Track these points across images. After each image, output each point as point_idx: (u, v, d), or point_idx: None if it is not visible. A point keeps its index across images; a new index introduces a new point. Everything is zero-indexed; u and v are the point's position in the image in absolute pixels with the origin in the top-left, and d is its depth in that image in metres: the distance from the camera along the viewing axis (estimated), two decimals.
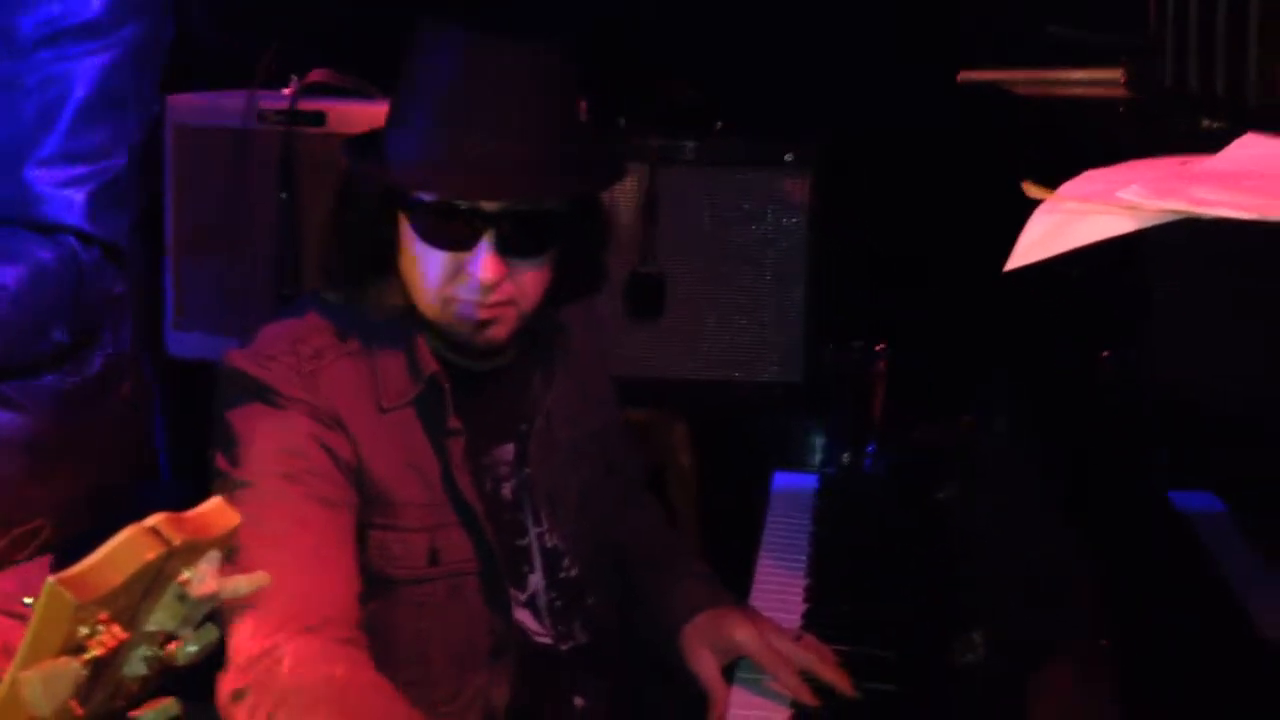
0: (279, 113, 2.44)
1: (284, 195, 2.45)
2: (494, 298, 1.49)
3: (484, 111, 1.45)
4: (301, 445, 1.47)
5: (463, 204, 1.46)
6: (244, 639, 1.39)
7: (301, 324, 1.55)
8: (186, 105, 2.52)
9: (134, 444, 1.99)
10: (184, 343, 2.57)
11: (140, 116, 1.73)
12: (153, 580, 0.74)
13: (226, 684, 1.39)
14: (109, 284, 1.74)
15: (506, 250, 1.47)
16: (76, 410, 1.80)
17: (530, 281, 1.51)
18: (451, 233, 1.48)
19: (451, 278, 1.49)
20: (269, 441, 1.47)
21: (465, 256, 1.48)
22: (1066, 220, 0.90)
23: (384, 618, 1.50)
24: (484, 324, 1.50)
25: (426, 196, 1.48)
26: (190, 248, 2.56)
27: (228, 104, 2.49)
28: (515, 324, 1.53)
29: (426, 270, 1.50)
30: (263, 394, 1.48)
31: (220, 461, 1.48)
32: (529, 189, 1.47)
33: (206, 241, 2.54)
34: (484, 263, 1.46)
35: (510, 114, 1.45)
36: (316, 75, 2.47)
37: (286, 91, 2.46)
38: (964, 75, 2.04)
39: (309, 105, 2.44)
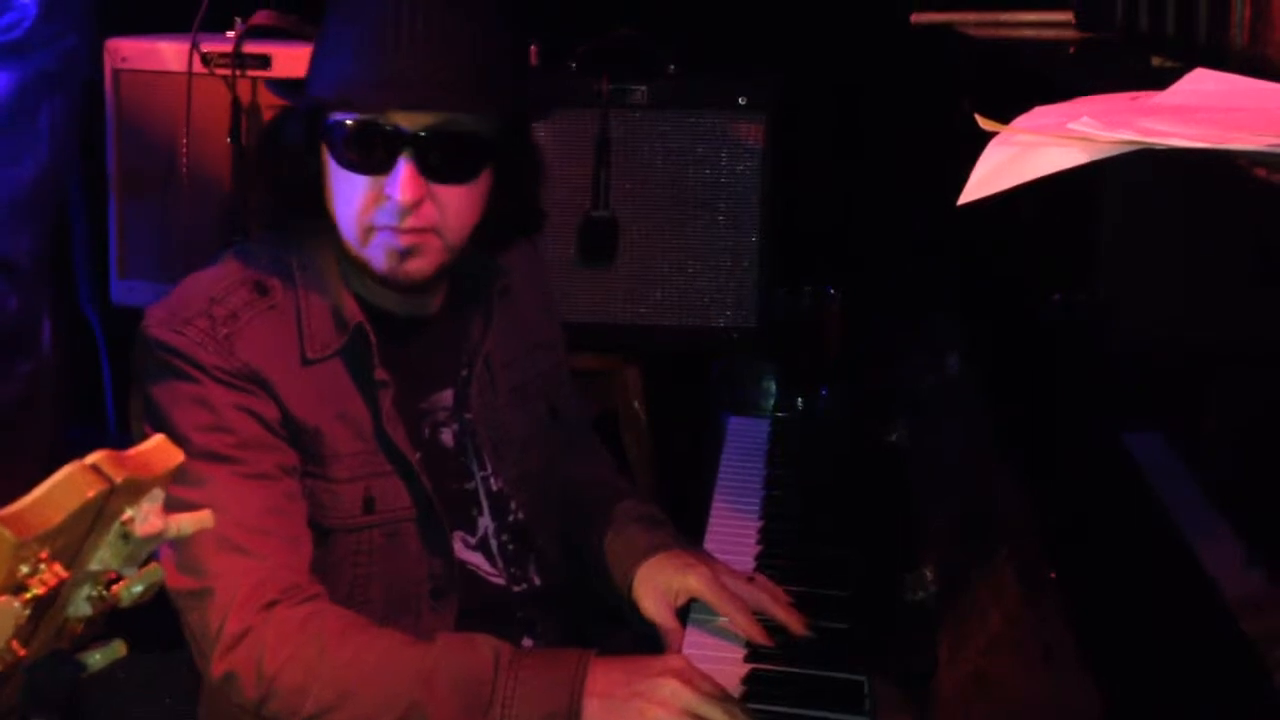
0: (223, 56, 2.40)
1: (229, 140, 2.42)
2: (414, 222, 1.46)
3: (397, 29, 1.43)
4: (225, 419, 1.46)
5: (381, 122, 1.45)
6: (215, 623, 1.41)
7: (220, 280, 1.53)
8: (126, 49, 2.48)
9: (45, 448, 1.96)
10: (129, 291, 2.54)
11: (50, 133, 1.72)
12: (95, 518, 0.73)
13: (215, 669, 1.42)
14: (6, 301, 1.70)
15: (426, 171, 1.45)
16: (4, 429, 1.77)
17: (454, 208, 1.49)
18: (369, 155, 1.46)
19: (372, 204, 1.47)
20: (191, 421, 1.46)
21: (384, 179, 1.46)
22: (1020, 153, 0.91)
23: (322, 564, 1.50)
24: (405, 253, 1.48)
25: (344, 118, 1.46)
26: (134, 195, 2.53)
27: (169, 47, 2.45)
28: (440, 257, 1.51)
29: (347, 198, 1.48)
30: (179, 364, 1.47)
31: (149, 435, 1.46)
32: (441, 100, 1.45)
33: (150, 189, 2.50)
34: (401, 182, 1.44)
35: (424, 31, 1.43)
36: (260, 18, 2.43)
37: (230, 34, 2.42)
38: (917, 17, 2.05)
39: (253, 48, 2.40)
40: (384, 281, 1.52)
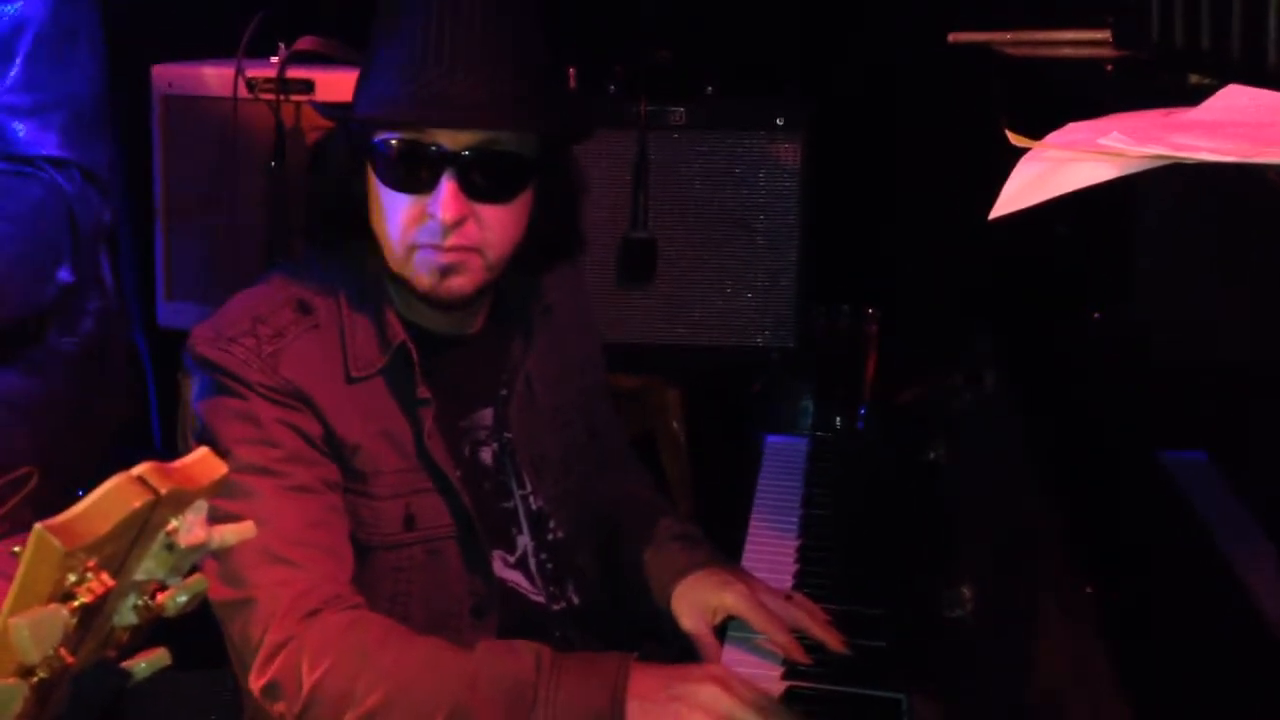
0: (267, 81, 2.43)
1: (274, 164, 2.45)
2: (456, 240, 1.48)
3: (440, 49, 1.45)
4: (270, 434, 1.48)
5: (425, 141, 1.47)
6: (257, 633, 1.43)
7: (265, 299, 1.55)
8: (173, 75, 2.52)
9: (124, 403, 2.02)
10: (175, 314, 2.57)
11: (92, 51, 1.79)
12: (140, 529, 0.75)
13: (256, 681, 1.44)
14: (96, 209, 1.77)
15: (468, 190, 1.47)
16: (76, 372, 1.83)
17: (496, 228, 1.50)
18: (412, 174, 1.48)
19: (414, 222, 1.49)
20: (236, 435, 1.48)
21: (427, 198, 1.48)
22: (1050, 168, 0.91)
23: (363, 580, 1.52)
24: (447, 271, 1.50)
25: (388, 137, 1.48)
26: (179, 219, 2.56)
27: (214, 73, 2.49)
28: (481, 275, 1.52)
29: (391, 216, 1.50)
30: (225, 381, 1.49)
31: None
32: (485, 120, 1.47)
33: (196, 212, 2.54)
34: (444, 201, 1.46)
35: (467, 51, 1.45)
36: (304, 43, 2.46)
37: (274, 60, 2.45)
38: (954, 36, 2.05)
39: (297, 73, 2.44)
40: (426, 299, 1.53)
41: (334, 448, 1.51)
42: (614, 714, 1.36)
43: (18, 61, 1.69)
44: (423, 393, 1.55)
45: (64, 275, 1.75)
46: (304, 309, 1.54)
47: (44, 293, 1.72)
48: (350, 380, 1.53)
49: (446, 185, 1.46)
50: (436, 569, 1.56)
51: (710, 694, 1.35)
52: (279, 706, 1.43)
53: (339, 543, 1.50)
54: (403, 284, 1.53)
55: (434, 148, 1.46)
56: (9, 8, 1.69)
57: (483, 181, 1.48)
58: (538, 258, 1.60)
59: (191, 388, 1.54)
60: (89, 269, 1.83)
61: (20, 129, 1.69)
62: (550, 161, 1.55)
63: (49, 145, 1.71)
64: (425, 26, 1.46)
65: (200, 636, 1.43)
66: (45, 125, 1.71)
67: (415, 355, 1.55)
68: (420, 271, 1.50)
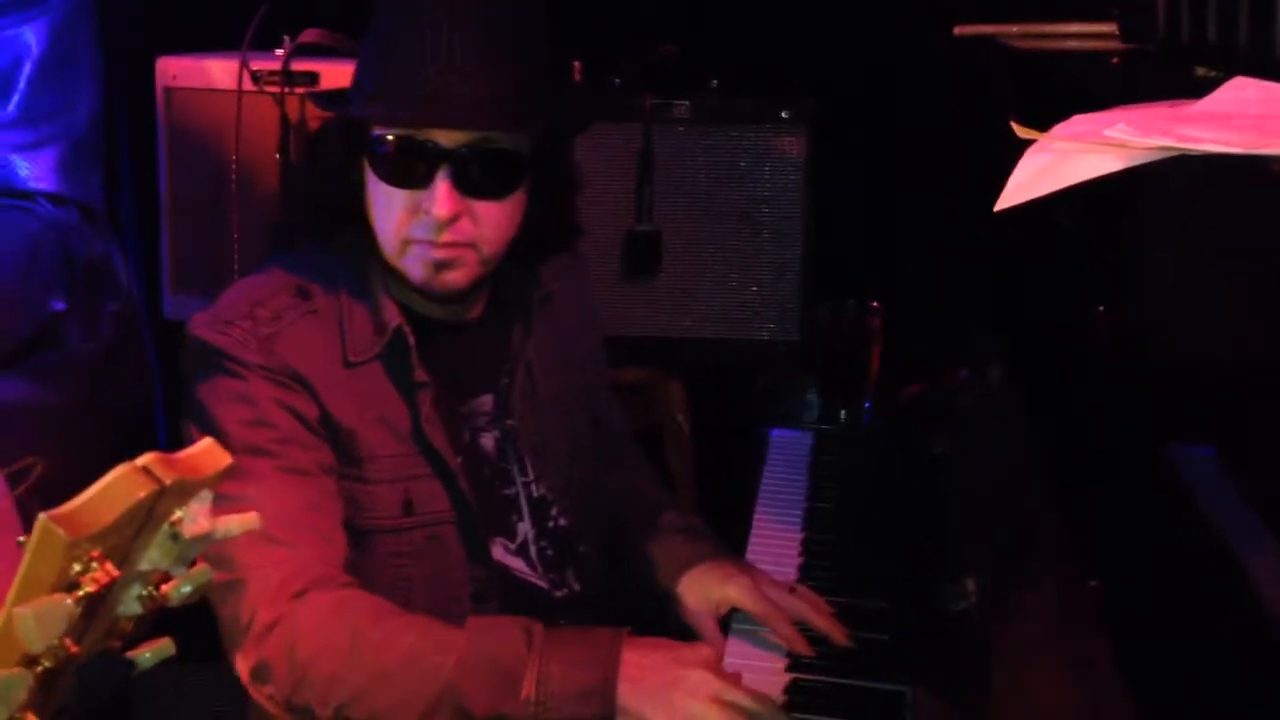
0: (272, 74, 2.43)
1: (279, 157, 2.45)
2: (451, 236, 1.49)
3: (438, 48, 1.45)
4: (267, 414, 1.48)
5: (420, 139, 1.47)
6: (246, 614, 1.42)
7: (264, 285, 1.56)
8: (177, 67, 2.52)
9: (136, 405, 2.03)
10: (181, 306, 2.57)
11: (91, 74, 1.77)
12: (145, 519, 0.75)
13: (245, 662, 1.43)
14: (91, 243, 1.77)
15: (463, 187, 1.48)
16: (91, 376, 1.83)
17: (490, 224, 1.51)
18: (408, 170, 1.49)
19: (409, 217, 1.50)
20: (233, 416, 1.48)
21: (422, 194, 1.48)
22: (1056, 160, 0.91)
23: (363, 566, 1.52)
24: (441, 266, 1.51)
25: (384, 134, 1.49)
26: (185, 211, 2.56)
27: (218, 66, 2.49)
28: (476, 270, 1.53)
29: (386, 211, 1.51)
30: (223, 362, 1.50)
31: (194, 434, 1.49)
32: (481, 120, 1.47)
33: (201, 206, 2.54)
34: (439, 198, 1.47)
35: (464, 51, 1.46)
36: (309, 35, 2.46)
37: (279, 52, 2.45)
38: (960, 29, 2.04)
39: (302, 66, 2.44)
40: (421, 291, 1.54)
41: (330, 430, 1.52)
42: (605, 694, 1.37)
43: (17, 95, 1.68)
44: (420, 376, 1.56)
45: (57, 305, 1.75)
46: (301, 294, 1.55)
47: (37, 323, 1.72)
48: (348, 365, 1.54)
49: (441, 182, 1.47)
50: (436, 554, 1.56)
51: (701, 678, 1.36)
52: (267, 689, 1.43)
53: (332, 527, 1.50)
54: (397, 275, 1.54)
55: (429, 145, 1.47)
56: (9, 34, 1.68)
57: (478, 178, 1.48)
58: (533, 250, 1.61)
59: (188, 371, 1.54)
60: (90, 289, 1.82)
61: (19, 164, 1.69)
62: (545, 157, 1.56)
63: (47, 180, 1.71)
64: (421, 24, 1.46)
65: (205, 628, 1.43)
66: (44, 160, 1.70)
67: (412, 340, 1.55)
68: (415, 265, 1.51)
